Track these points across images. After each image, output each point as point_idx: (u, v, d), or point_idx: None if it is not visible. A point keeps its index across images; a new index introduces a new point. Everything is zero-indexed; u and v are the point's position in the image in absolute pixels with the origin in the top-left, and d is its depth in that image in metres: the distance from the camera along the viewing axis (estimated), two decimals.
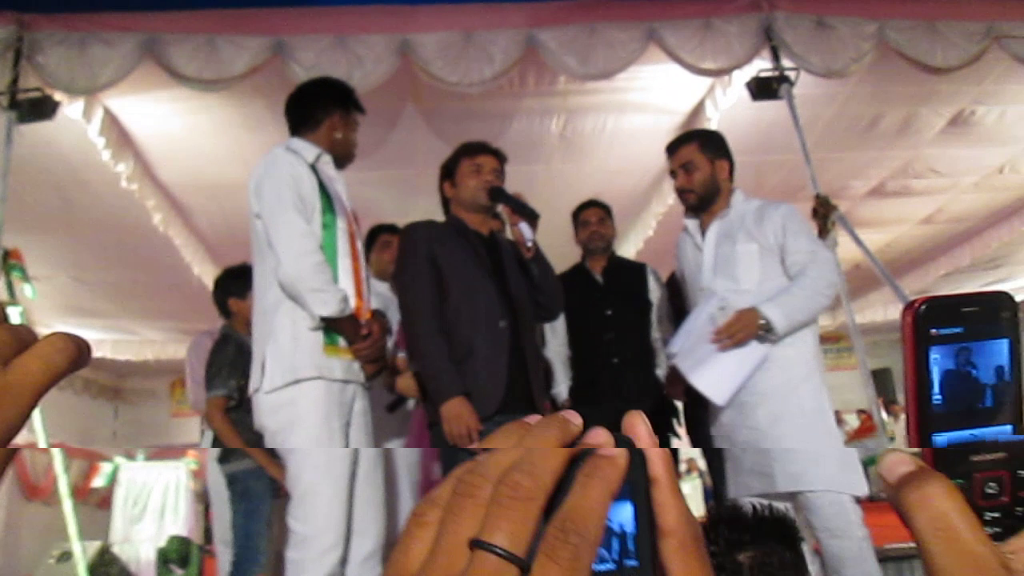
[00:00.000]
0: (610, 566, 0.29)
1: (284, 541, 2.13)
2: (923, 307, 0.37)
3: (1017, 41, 3.76)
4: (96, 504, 7.86)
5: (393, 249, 3.06)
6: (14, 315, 3.50)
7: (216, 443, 3.15)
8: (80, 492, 7.38)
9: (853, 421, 8.41)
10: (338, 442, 2.14)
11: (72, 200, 4.64)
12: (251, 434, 2.51)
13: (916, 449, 0.36)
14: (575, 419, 0.32)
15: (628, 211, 5.20)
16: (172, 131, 4.17)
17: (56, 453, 5.33)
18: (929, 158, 5.09)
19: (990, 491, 0.36)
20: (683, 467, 9.42)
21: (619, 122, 4.45)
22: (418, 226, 2.48)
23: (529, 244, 2.44)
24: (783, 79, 3.67)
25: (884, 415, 8.07)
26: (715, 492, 3.31)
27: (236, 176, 3.95)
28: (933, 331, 0.37)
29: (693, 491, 8.82)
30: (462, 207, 2.52)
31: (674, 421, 3.29)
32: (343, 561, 2.10)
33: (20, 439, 0.33)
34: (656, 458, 0.31)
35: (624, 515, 0.30)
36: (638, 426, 0.33)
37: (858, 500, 2.32)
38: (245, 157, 4.12)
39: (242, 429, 2.95)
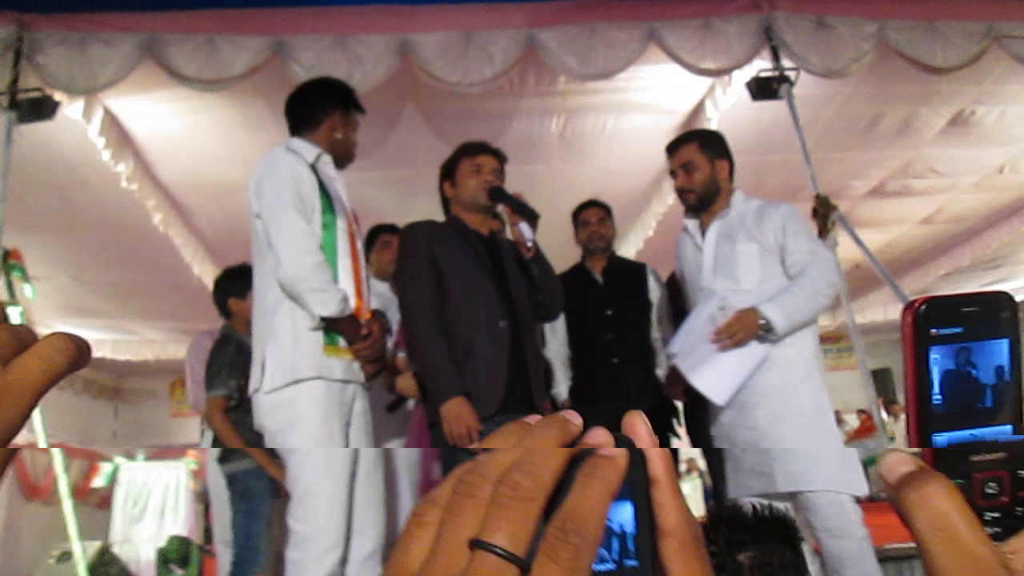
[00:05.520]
0: (610, 566, 0.29)
1: (284, 541, 2.13)
2: (923, 307, 0.37)
3: (1017, 41, 3.76)
4: (96, 504, 7.87)
5: (393, 249, 3.06)
6: (14, 315, 3.50)
7: (216, 443, 3.15)
8: (80, 492, 7.39)
9: (853, 421, 8.41)
10: (338, 442, 2.14)
11: (72, 200, 4.64)
12: (251, 434, 2.51)
13: (916, 449, 0.36)
14: (575, 419, 0.31)
15: (628, 211, 5.20)
16: (172, 131, 4.17)
17: (56, 453, 5.33)
18: (929, 158, 5.09)
19: (990, 491, 0.36)
20: (683, 467, 9.41)
21: (619, 122, 4.45)
22: (418, 226, 2.48)
23: (529, 244, 2.44)
24: (783, 79, 3.68)
25: (884, 415, 8.07)
26: (715, 492, 3.31)
27: (236, 176, 3.95)
28: (933, 331, 0.37)
29: (693, 491, 8.82)
30: (462, 207, 2.52)
31: (674, 421, 3.29)
32: (343, 561, 2.10)
33: (20, 439, 0.33)
34: (656, 458, 0.31)
35: (624, 515, 0.30)
36: (638, 426, 0.33)
37: (858, 500, 2.32)
38: (245, 157, 4.12)
39: (242, 429, 2.95)
